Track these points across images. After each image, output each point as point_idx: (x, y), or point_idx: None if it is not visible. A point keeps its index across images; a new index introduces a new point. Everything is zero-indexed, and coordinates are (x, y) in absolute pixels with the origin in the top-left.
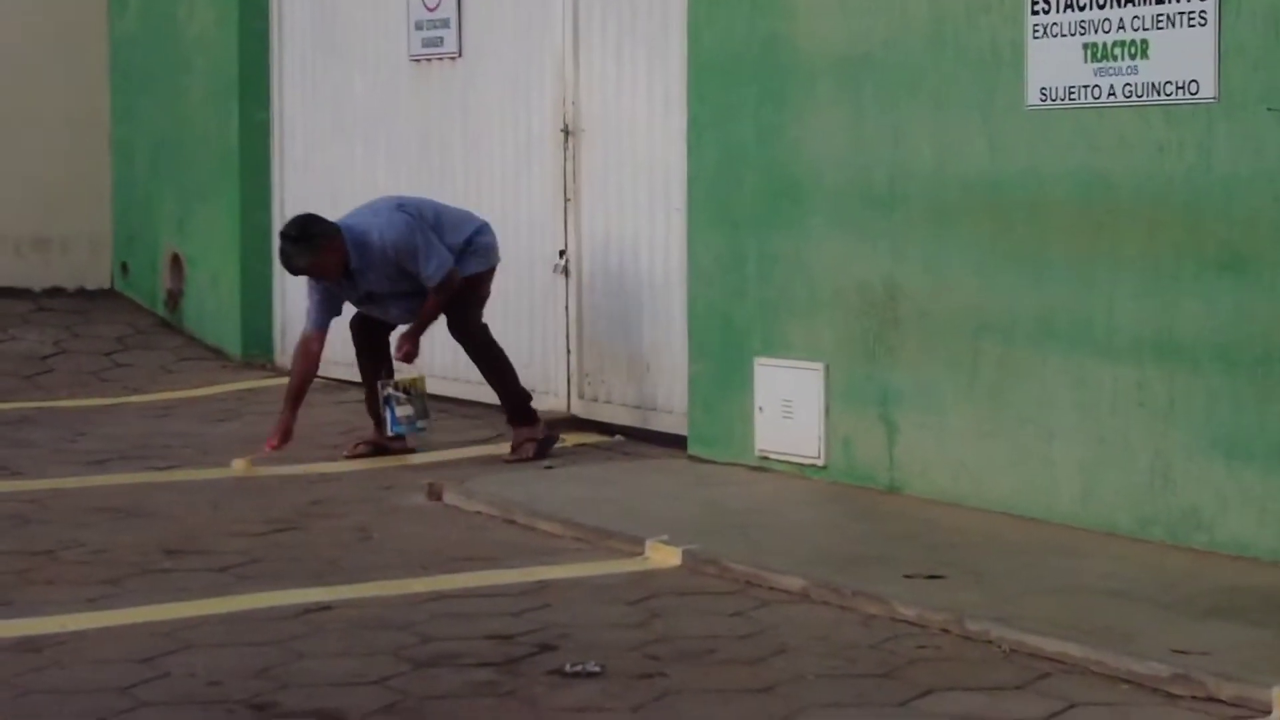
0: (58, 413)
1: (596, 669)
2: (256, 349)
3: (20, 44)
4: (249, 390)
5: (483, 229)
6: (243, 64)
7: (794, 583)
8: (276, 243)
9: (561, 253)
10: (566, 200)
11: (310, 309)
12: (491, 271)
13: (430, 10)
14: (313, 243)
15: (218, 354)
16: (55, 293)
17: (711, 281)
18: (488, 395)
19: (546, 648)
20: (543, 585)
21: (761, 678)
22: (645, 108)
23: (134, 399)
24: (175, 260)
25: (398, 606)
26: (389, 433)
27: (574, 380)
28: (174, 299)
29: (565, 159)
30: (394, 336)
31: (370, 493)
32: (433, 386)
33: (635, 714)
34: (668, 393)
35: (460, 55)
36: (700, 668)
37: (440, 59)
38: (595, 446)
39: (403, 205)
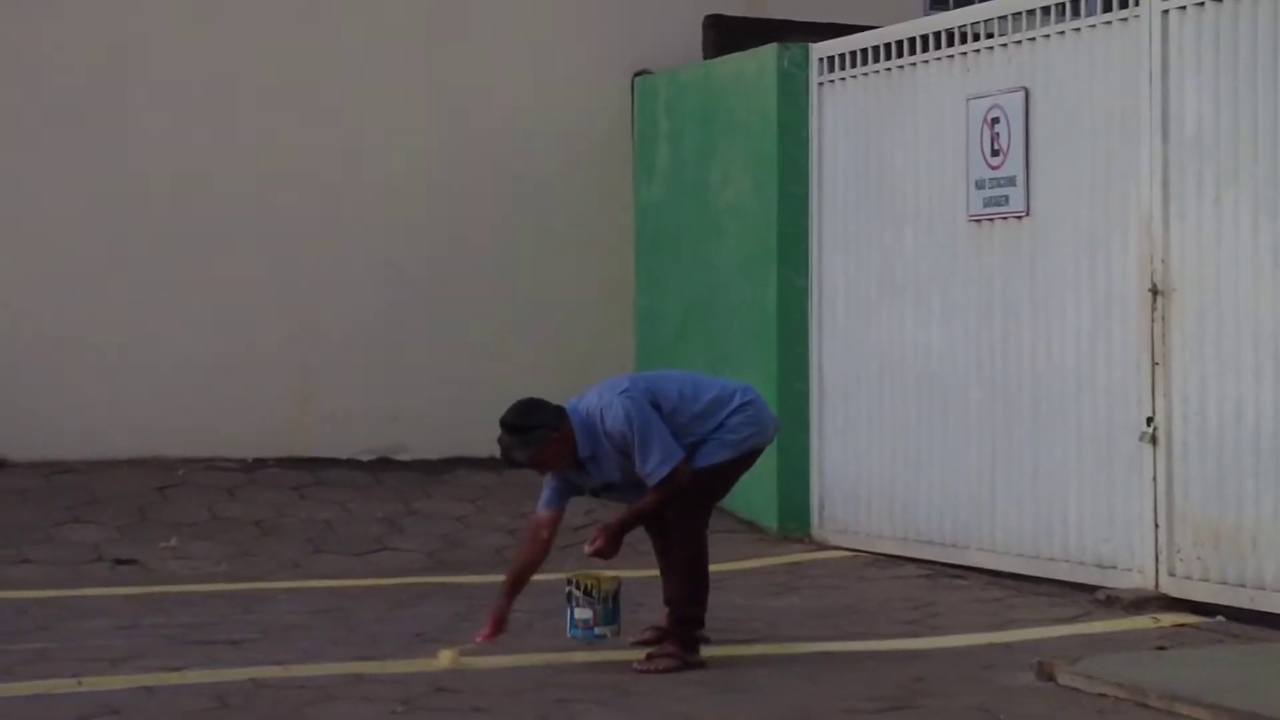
0: None
1: None
2: (793, 522)
3: (548, 213)
4: (796, 564)
5: (742, 407)
6: (781, 229)
7: None
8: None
9: (1149, 419)
10: (1155, 364)
11: (544, 487)
12: (747, 458)
13: (994, 169)
14: (533, 434)
15: (751, 527)
16: None
17: None
18: (1052, 570)
19: None
20: None
21: None
22: (1250, 263)
23: None
24: None
25: None
26: (567, 634)
27: (1163, 556)
28: None
29: (1153, 320)
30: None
31: (970, 671)
32: (975, 560)
33: None
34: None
35: (1028, 214)
36: None
37: (1004, 218)
38: (1195, 628)
39: (630, 389)
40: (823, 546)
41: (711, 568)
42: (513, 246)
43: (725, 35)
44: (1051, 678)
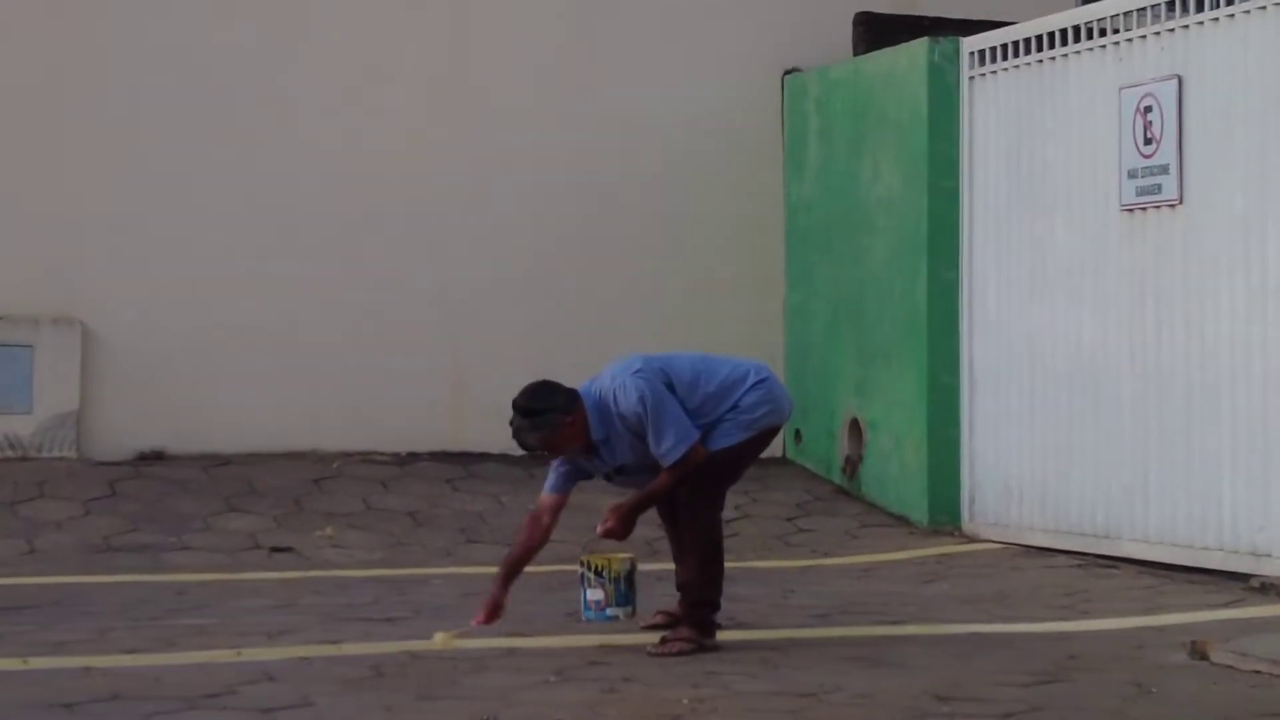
0: (756, 572)
1: None
2: (943, 515)
3: (699, 211)
4: (945, 555)
5: (756, 385)
6: (931, 222)
7: None
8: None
9: None
10: None
11: (551, 472)
12: (762, 438)
13: (1146, 158)
14: (544, 418)
15: (901, 520)
16: None
17: None
18: (1205, 559)
19: None
20: None
21: None
22: None
23: (826, 561)
24: (855, 425)
25: None
26: (581, 617)
27: None
28: (851, 465)
29: None
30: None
31: (1123, 650)
32: (1128, 550)
33: None
34: None
35: (1181, 202)
36: None
37: (1157, 207)
38: None
39: (644, 369)
40: (973, 539)
41: (861, 559)
42: (664, 244)
43: (875, 32)
44: (1204, 656)
